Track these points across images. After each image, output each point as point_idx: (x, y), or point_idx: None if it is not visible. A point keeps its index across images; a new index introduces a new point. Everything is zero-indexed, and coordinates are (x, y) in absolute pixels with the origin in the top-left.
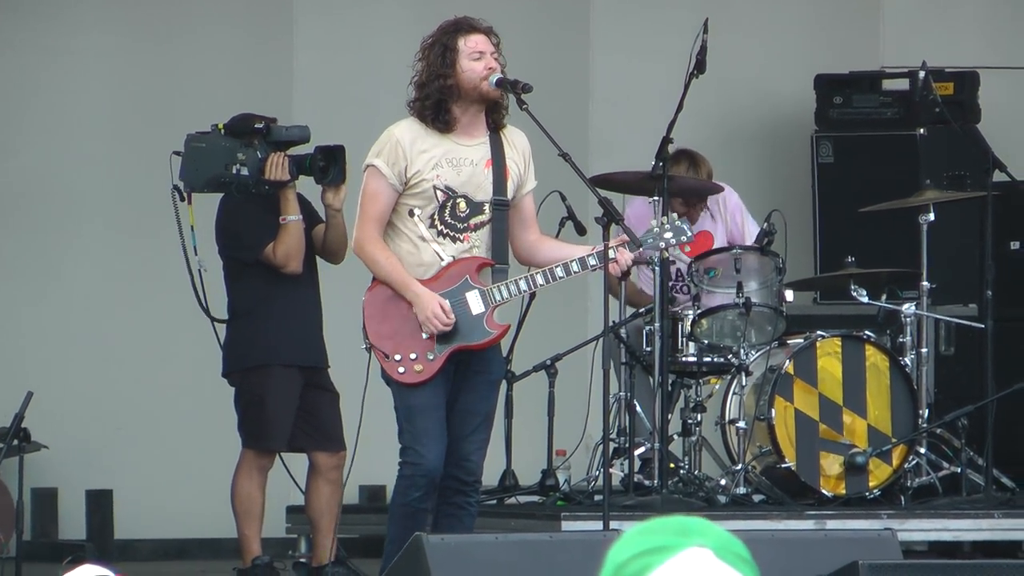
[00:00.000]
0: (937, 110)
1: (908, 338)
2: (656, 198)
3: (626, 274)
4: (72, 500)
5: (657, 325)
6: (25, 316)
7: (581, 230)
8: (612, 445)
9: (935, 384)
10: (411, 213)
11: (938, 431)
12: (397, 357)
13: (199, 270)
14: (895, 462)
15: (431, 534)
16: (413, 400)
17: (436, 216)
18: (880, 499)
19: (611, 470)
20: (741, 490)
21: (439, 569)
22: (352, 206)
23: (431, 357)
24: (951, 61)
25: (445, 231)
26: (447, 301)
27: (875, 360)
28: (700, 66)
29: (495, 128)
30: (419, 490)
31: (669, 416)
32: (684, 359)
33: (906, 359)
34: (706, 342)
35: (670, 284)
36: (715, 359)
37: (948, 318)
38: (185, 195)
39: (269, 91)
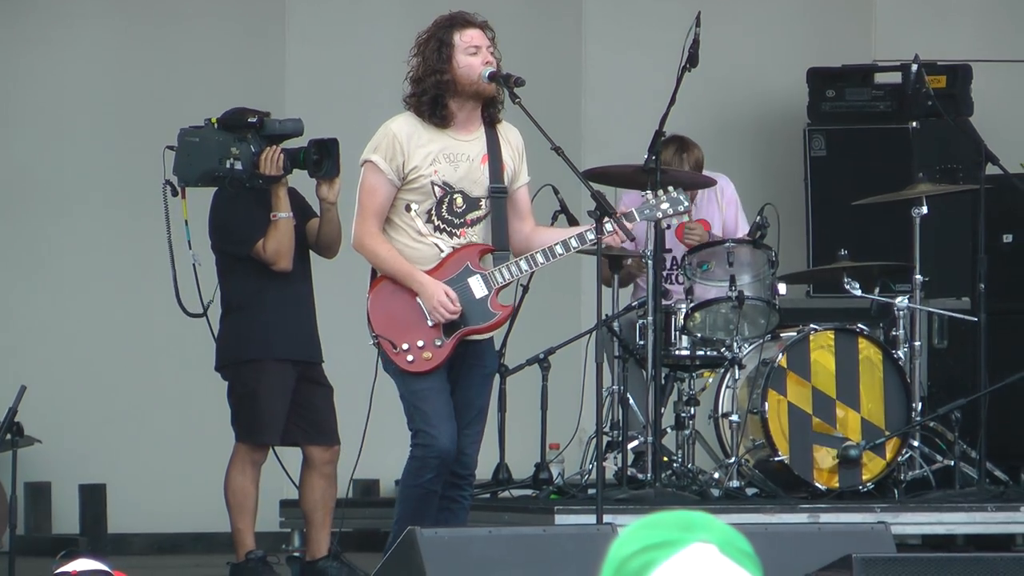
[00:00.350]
0: (930, 103)
1: (901, 331)
2: (649, 191)
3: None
4: (65, 494)
5: (650, 319)
6: (18, 310)
7: (574, 223)
8: (605, 439)
9: (928, 377)
10: (408, 208)
11: (931, 424)
12: (405, 346)
13: (193, 264)
14: (888, 455)
15: (424, 528)
16: (420, 384)
17: (433, 211)
18: (873, 492)
19: (604, 464)
20: (734, 483)
21: (433, 563)
22: (346, 199)
23: (439, 344)
24: (943, 54)
25: (442, 226)
26: (452, 290)
27: (868, 353)
28: (692, 59)
29: (490, 123)
30: (431, 471)
31: (662, 409)
32: (677, 352)
33: (899, 352)
34: (699, 335)
35: (664, 273)
36: (708, 352)
37: (941, 311)
38: (179, 189)
39: (261, 84)
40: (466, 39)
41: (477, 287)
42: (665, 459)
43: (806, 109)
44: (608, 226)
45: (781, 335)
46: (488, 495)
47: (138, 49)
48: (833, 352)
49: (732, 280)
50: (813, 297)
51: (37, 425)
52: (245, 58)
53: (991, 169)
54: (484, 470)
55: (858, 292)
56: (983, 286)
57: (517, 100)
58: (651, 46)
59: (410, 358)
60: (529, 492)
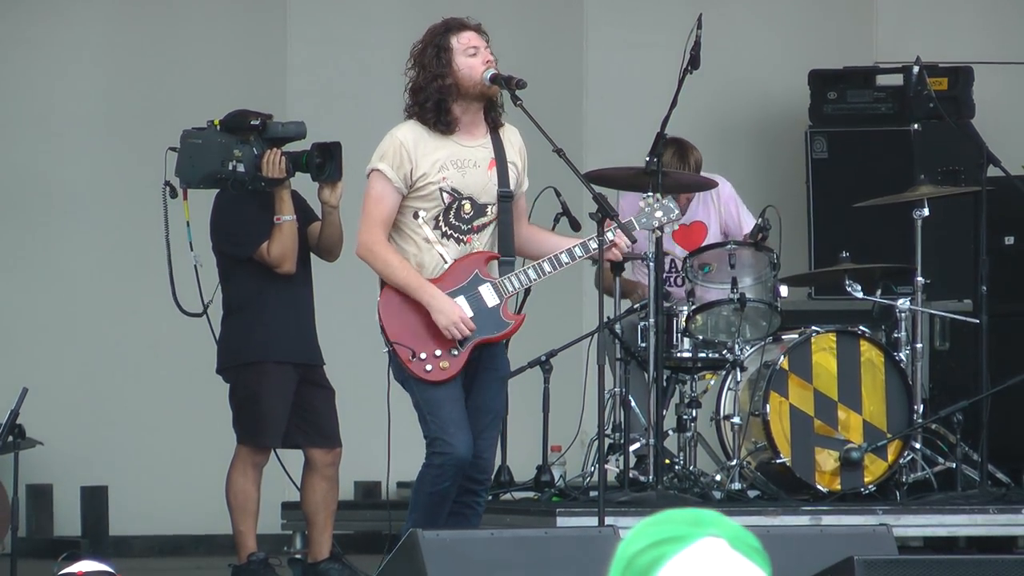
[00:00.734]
0: (931, 105)
1: (903, 333)
2: (650, 193)
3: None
4: (67, 496)
5: (652, 321)
6: (20, 312)
7: (576, 226)
8: (607, 441)
9: (930, 379)
10: (416, 215)
11: (933, 426)
12: (423, 355)
13: (195, 266)
14: (890, 457)
15: (427, 530)
16: (435, 392)
17: (441, 218)
18: (875, 494)
19: (606, 466)
20: (736, 486)
21: (434, 565)
22: (348, 203)
23: (455, 353)
24: (945, 56)
25: (450, 233)
26: (463, 308)
27: (870, 355)
28: (694, 62)
29: (494, 127)
30: (448, 479)
31: (664, 412)
32: (679, 355)
33: (901, 354)
34: (701, 338)
35: (664, 276)
36: (710, 354)
37: (943, 313)
38: (180, 191)
39: (263, 86)
40: (463, 41)
41: (489, 296)
42: (667, 461)
43: (808, 111)
44: (609, 234)
45: (783, 337)
46: (490, 497)
47: (140, 51)
48: (835, 354)
49: (734, 282)
50: (815, 299)
51: (39, 427)
52: (247, 60)
53: (993, 171)
54: None
55: (860, 294)
56: (985, 288)
57: (519, 102)
58: (652, 48)
59: (428, 367)
60: (531, 494)
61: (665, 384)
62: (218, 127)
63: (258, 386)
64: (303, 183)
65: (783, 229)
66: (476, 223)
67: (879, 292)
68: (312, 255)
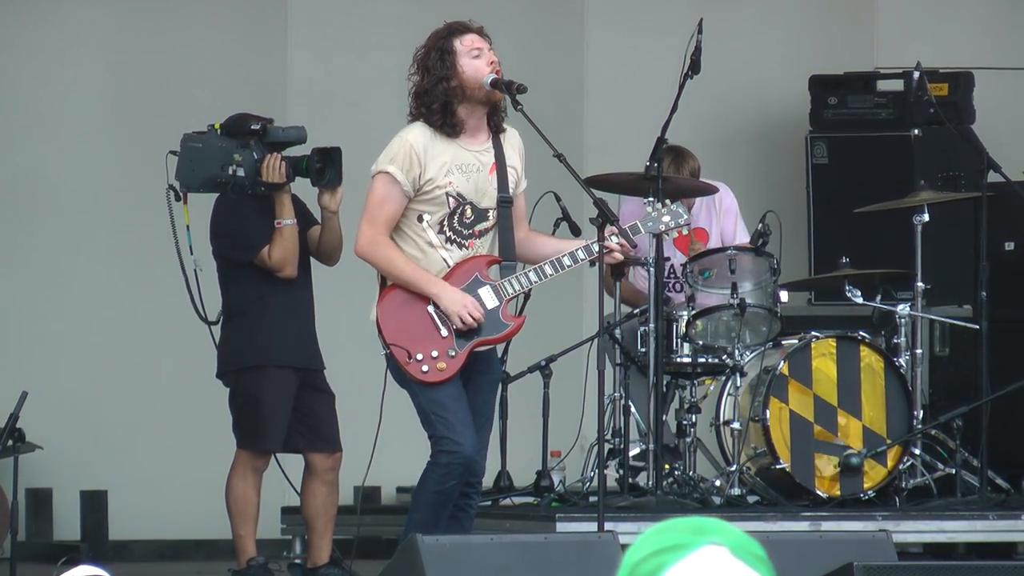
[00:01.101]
0: (932, 111)
1: (903, 339)
2: (651, 199)
3: (622, 272)
4: (67, 501)
5: (652, 326)
6: (20, 316)
7: (576, 231)
8: (607, 446)
9: (930, 385)
10: (420, 219)
11: (933, 432)
12: (419, 357)
13: (195, 270)
14: (890, 463)
15: (426, 535)
16: (438, 393)
17: (445, 222)
18: (875, 500)
19: (606, 471)
20: (736, 491)
21: (434, 570)
22: (348, 207)
23: (452, 354)
24: (945, 62)
25: (453, 237)
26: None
27: (870, 361)
28: (695, 67)
29: (496, 131)
30: (455, 478)
31: (664, 417)
32: (679, 360)
33: (901, 360)
34: (701, 343)
35: (664, 282)
36: (710, 360)
37: (943, 319)
38: (181, 195)
39: (263, 91)
40: (467, 44)
41: (488, 298)
42: (667, 467)
43: (808, 116)
44: (610, 241)
45: (783, 343)
46: (489, 502)
47: (141, 55)
48: (835, 360)
49: (734, 287)
50: (815, 305)
51: (38, 431)
52: (247, 64)
53: (993, 177)
54: (486, 477)
55: (860, 300)
56: (985, 294)
57: (519, 107)
58: (653, 52)
59: (424, 368)
60: (530, 499)
61: (665, 389)
62: (219, 131)
63: (258, 390)
64: (303, 187)
65: (783, 234)
66: (478, 228)
67: (879, 297)
68: (312, 259)
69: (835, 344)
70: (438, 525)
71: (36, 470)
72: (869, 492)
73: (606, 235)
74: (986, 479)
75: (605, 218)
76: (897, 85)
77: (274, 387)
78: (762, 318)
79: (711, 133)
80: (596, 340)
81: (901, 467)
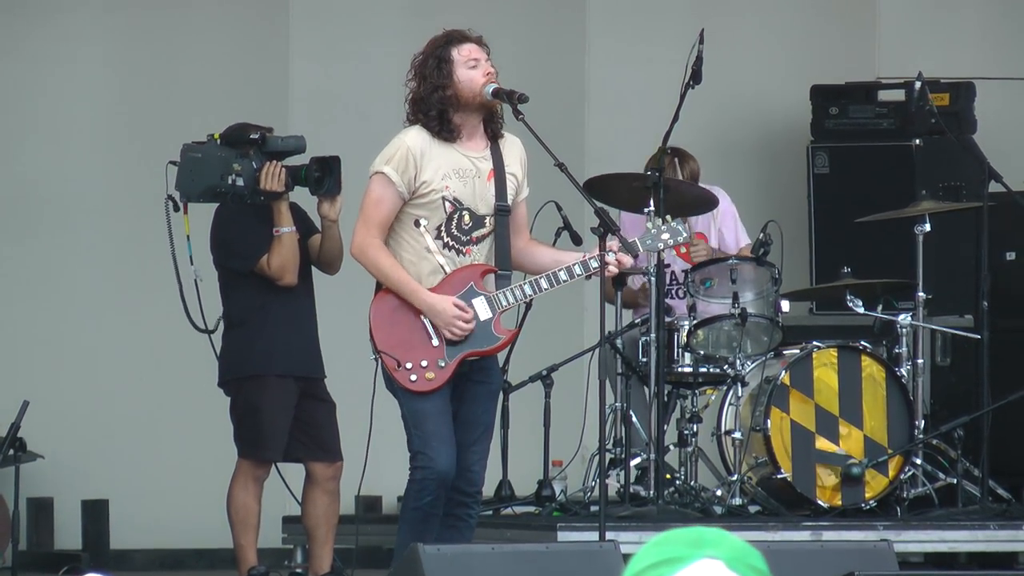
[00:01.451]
0: (933, 121)
1: (904, 348)
2: (651, 208)
3: (623, 280)
4: (68, 510)
5: (653, 336)
6: (21, 325)
7: (577, 240)
8: (608, 456)
9: (931, 395)
10: (417, 224)
11: (934, 442)
12: (408, 365)
13: (195, 280)
14: (891, 473)
15: (427, 544)
16: (421, 405)
17: (443, 228)
18: (876, 510)
19: (607, 481)
20: (737, 501)
21: None
22: (349, 216)
23: (442, 364)
24: (947, 71)
25: (450, 243)
26: (460, 301)
27: (871, 371)
28: (696, 76)
29: (494, 138)
30: (431, 494)
31: (665, 427)
32: (680, 369)
33: (902, 370)
34: (702, 352)
35: (665, 289)
36: (711, 369)
37: (944, 328)
38: (180, 205)
39: (264, 101)
40: (464, 53)
41: (481, 309)
42: (668, 476)
43: (809, 126)
44: (608, 256)
45: (784, 352)
46: (491, 512)
47: (141, 64)
48: (836, 369)
49: (735, 297)
50: (816, 314)
51: (40, 440)
52: (248, 74)
53: (994, 187)
54: (487, 487)
55: (861, 309)
56: (986, 304)
57: (520, 116)
58: (655, 61)
59: (413, 377)
60: (532, 509)
61: (666, 399)
62: (218, 141)
63: (259, 399)
64: (304, 196)
65: (784, 244)
66: (475, 234)
67: (880, 307)
68: (314, 268)
69: (836, 354)
70: (425, 540)
71: (37, 479)
72: (870, 502)
73: (608, 247)
74: (987, 489)
75: (607, 228)
76: (898, 95)
77: (275, 396)
78: (763, 328)
79: (712, 142)
80: (597, 350)
81: (902, 477)
